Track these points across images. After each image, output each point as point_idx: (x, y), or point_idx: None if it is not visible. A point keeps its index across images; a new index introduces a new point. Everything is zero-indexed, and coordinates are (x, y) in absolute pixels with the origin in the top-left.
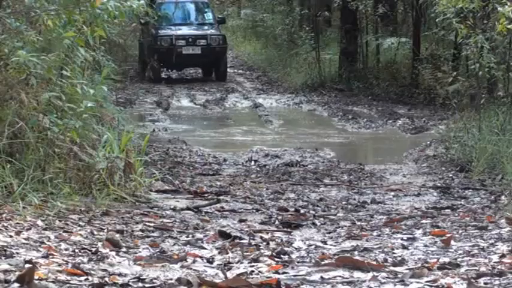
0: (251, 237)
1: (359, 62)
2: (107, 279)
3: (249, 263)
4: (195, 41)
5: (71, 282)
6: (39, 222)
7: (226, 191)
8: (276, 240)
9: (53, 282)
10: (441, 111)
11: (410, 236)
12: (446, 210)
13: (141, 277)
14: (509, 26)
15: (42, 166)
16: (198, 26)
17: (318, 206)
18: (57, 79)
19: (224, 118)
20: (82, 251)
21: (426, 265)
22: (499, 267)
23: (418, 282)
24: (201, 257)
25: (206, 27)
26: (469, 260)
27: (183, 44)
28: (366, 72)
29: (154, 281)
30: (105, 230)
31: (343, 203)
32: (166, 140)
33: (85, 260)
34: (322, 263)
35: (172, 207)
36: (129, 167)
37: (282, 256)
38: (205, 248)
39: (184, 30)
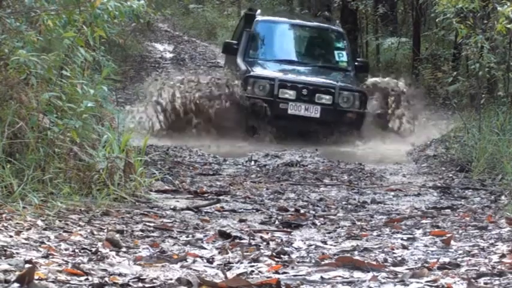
0: (251, 237)
1: None
2: (107, 279)
3: (249, 263)
4: (313, 96)
5: (71, 282)
6: (39, 222)
7: (226, 191)
8: (276, 240)
9: (53, 282)
10: (441, 111)
11: (410, 236)
12: (446, 210)
13: (141, 277)
14: (509, 26)
15: (42, 166)
16: (320, 70)
17: (318, 206)
18: (57, 79)
19: None
20: (82, 251)
21: (426, 265)
22: (499, 267)
23: (418, 282)
24: (201, 257)
25: (334, 74)
26: (469, 260)
27: (291, 97)
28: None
29: (154, 281)
30: (105, 230)
31: (343, 203)
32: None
33: (85, 260)
34: (322, 263)
35: (172, 207)
36: (129, 167)
37: (282, 256)
38: (205, 248)
39: (296, 75)
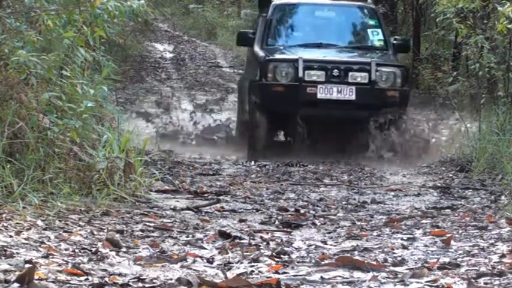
0: (251, 237)
1: None
2: (106, 279)
3: (249, 263)
4: (346, 75)
5: (71, 282)
6: (39, 222)
7: (226, 191)
8: (276, 240)
9: (53, 282)
10: (441, 111)
11: (410, 236)
12: (446, 210)
13: (141, 277)
14: (509, 26)
15: (42, 166)
16: (352, 49)
17: (318, 206)
18: (57, 79)
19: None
20: (82, 251)
21: (426, 265)
22: (499, 267)
23: (418, 282)
24: (201, 257)
25: (369, 53)
26: (469, 260)
27: (319, 79)
28: None
29: (154, 281)
30: (105, 230)
31: (343, 203)
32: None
33: (85, 260)
34: (322, 263)
35: (172, 207)
36: (129, 167)
37: (282, 256)
38: (205, 248)
39: (323, 53)
